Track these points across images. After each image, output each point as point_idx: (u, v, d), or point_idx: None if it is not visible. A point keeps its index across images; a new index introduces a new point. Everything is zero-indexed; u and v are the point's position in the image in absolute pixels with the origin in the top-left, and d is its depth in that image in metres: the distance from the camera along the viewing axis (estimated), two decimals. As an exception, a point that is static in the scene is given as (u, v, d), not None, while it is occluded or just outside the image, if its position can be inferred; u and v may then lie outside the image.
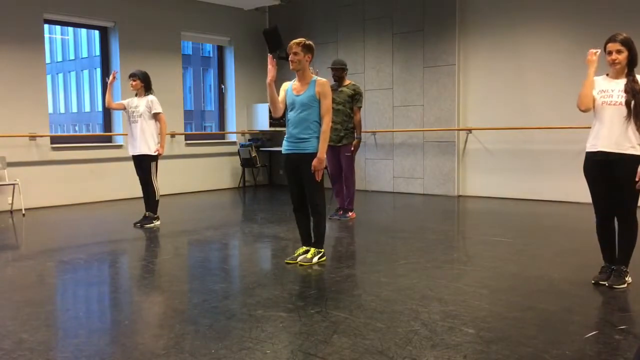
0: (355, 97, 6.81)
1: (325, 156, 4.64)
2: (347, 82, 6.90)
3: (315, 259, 4.73)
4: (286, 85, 4.81)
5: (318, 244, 4.80)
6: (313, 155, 4.60)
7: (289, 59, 4.57)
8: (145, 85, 6.59)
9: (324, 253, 4.83)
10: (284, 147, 4.78)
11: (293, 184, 4.78)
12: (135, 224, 6.69)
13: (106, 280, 4.58)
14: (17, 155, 8.11)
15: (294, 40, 4.59)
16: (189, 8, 10.14)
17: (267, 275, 4.56)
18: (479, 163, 9.02)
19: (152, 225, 6.64)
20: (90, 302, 4.01)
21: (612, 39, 3.82)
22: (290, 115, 4.69)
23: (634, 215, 3.91)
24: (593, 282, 4.00)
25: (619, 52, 3.78)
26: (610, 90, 3.84)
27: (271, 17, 11.20)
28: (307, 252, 4.82)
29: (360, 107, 6.89)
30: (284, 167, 4.88)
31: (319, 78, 4.66)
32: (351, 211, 7.03)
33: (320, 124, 4.62)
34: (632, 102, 3.74)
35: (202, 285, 4.18)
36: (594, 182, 3.97)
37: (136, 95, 6.68)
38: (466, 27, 8.96)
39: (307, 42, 4.59)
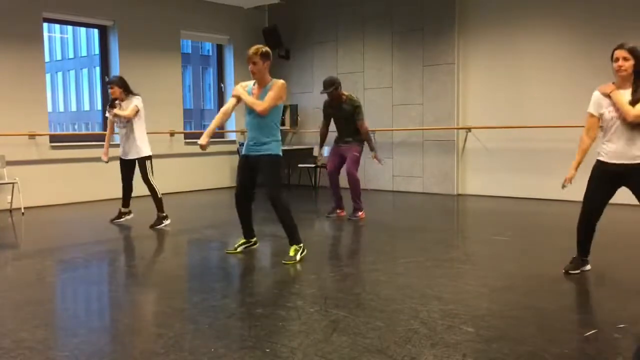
0: (356, 112, 6.73)
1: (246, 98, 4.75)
2: (343, 97, 6.74)
3: (298, 256, 4.70)
4: (244, 87, 4.84)
5: (294, 240, 4.80)
6: (272, 156, 4.72)
7: (250, 69, 4.71)
8: (124, 89, 6.49)
9: (304, 247, 4.81)
10: (245, 149, 4.87)
11: (247, 179, 4.87)
12: (111, 220, 6.79)
13: (105, 279, 4.58)
14: (17, 154, 8.10)
15: (251, 50, 4.68)
16: (189, 6, 10.12)
17: (267, 273, 4.56)
18: (478, 162, 9.02)
19: (163, 225, 6.50)
20: (90, 301, 4.02)
21: (619, 46, 3.82)
22: (249, 118, 4.79)
23: None
24: (564, 271, 4.17)
25: (625, 59, 3.77)
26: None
27: (271, 15, 11.18)
28: (254, 244, 5.14)
29: (362, 118, 6.79)
30: (240, 165, 4.97)
31: (276, 80, 4.76)
32: (360, 210, 6.86)
33: (278, 127, 4.79)
34: None
35: (202, 284, 4.19)
36: (598, 182, 4.03)
37: (116, 100, 6.54)
38: (465, 26, 8.96)
39: (264, 49, 4.73)
